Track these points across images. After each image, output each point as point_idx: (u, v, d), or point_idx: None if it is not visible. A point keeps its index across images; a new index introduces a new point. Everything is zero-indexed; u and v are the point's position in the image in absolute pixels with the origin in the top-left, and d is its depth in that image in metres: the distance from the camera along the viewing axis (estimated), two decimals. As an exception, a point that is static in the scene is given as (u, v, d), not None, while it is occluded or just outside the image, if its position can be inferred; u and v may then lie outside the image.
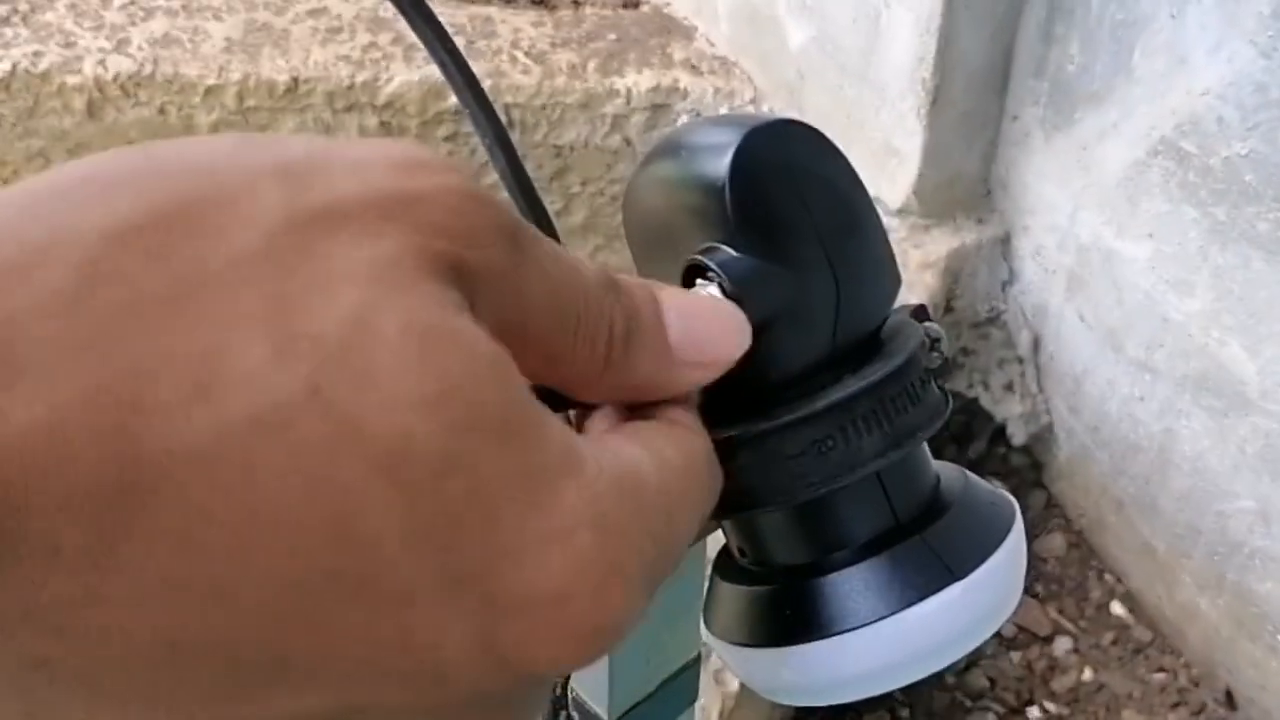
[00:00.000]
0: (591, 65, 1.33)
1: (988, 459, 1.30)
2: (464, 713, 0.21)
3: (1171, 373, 1.09)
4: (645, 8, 1.48)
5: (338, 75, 1.28)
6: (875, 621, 0.30)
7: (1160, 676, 1.18)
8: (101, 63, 1.27)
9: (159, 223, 0.19)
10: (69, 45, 1.29)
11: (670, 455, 0.25)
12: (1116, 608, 1.23)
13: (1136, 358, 1.12)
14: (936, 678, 1.18)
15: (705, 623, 0.35)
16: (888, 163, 1.20)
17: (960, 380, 1.26)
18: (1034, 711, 1.16)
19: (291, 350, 0.18)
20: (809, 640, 0.31)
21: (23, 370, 0.17)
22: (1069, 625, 1.22)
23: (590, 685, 0.47)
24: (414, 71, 1.27)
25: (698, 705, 0.52)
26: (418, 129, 1.31)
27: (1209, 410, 1.06)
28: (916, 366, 0.31)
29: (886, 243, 0.33)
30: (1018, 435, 1.27)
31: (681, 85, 1.34)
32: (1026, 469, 1.32)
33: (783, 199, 0.30)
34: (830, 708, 1.14)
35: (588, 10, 1.44)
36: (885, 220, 0.33)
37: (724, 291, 0.30)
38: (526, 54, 1.34)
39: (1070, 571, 1.26)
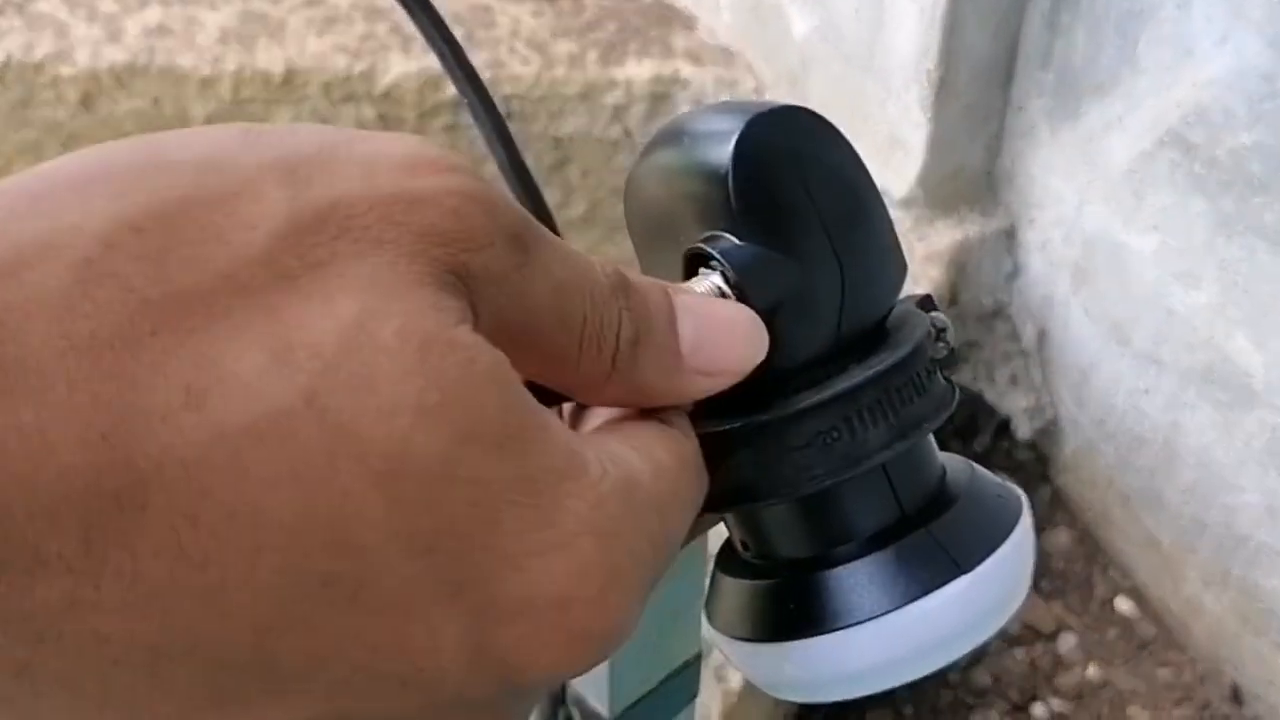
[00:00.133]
0: (592, 55, 1.33)
1: (992, 453, 1.30)
2: (450, 718, 0.21)
3: (1177, 366, 1.09)
4: (646, -2, 1.48)
5: (334, 66, 1.28)
6: (880, 616, 0.30)
7: (1165, 672, 1.18)
8: (95, 53, 1.27)
9: (157, 224, 0.18)
10: (63, 35, 1.29)
11: (662, 457, 0.25)
12: (1121, 603, 1.23)
13: (1142, 351, 1.12)
14: (940, 675, 1.18)
15: (707, 617, 0.35)
16: (892, 155, 1.20)
17: (965, 374, 1.26)
18: (1038, 708, 1.16)
19: (288, 359, 0.18)
20: (813, 635, 0.31)
21: (10, 373, 0.17)
22: (1073, 621, 1.22)
23: (590, 682, 0.47)
24: (412, 62, 1.27)
25: (698, 702, 0.51)
26: (415, 120, 1.31)
27: (1215, 403, 1.06)
28: (922, 356, 0.31)
29: (892, 231, 0.33)
30: (1022, 429, 1.27)
31: (683, 75, 1.33)
32: (1031, 463, 1.32)
33: (786, 186, 0.30)
34: (833, 705, 1.14)
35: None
36: (890, 212, 0.33)
37: (726, 280, 0.30)
38: (526, 44, 1.33)
39: (1075, 567, 1.26)
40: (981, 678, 1.18)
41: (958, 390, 0.32)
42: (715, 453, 0.30)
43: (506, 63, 1.31)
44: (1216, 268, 1.01)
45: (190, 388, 0.18)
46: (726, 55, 1.38)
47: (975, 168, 1.21)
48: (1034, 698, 1.17)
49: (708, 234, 0.30)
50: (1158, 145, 1.02)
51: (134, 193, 0.19)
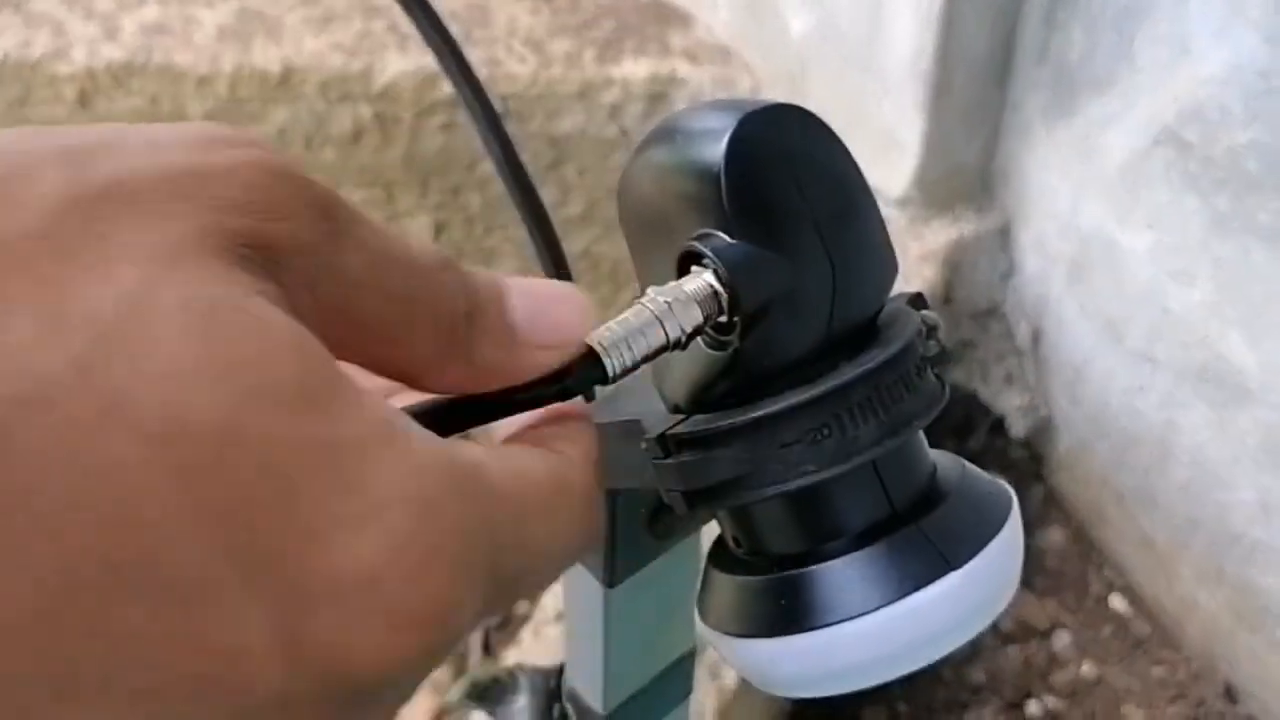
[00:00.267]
0: (588, 54, 1.33)
1: (987, 452, 1.30)
2: None
3: (1172, 364, 1.09)
4: (643, -3, 1.48)
5: (331, 64, 1.28)
6: (871, 612, 0.30)
7: (1160, 670, 1.18)
8: (93, 51, 1.27)
9: None
10: (60, 34, 1.29)
11: (530, 468, 0.24)
12: (1116, 601, 1.23)
13: (1137, 349, 1.12)
14: (934, 671, 1.19)
15: (700, 613, 0.35)
16: (889, 153, 1.20)
17: (960, 372, 1.26)
18: (1033, 706, 1.17)
19: (59, 328, 0.17)
20: (804, 630, 0.31)
21: None
22: (1068, 619, 1.23)
23: (585, 678, 0.47)
24: (408, 60, 1.27)
25: (693, 699, 0.52)
26: (412, 118, 1.31)
27: (1209, 402, 1.06)
28: (913, 354, 0.31)
29: (883, 229, 0.33)
30: (1017, 428, 1.27)
31: (680, 74, 1.33)
32: (1026, 462, 1.32)
33: (778, 184, 0.30)
34: (828, 703, 1.14)
35: (585, -1, 1.44)
36: (886, 211, 0.33)
37: (718, 278, 0.30)
38: (523, 42, 1.33)
39: (1069, 565, 1.27)
40: (977, 675, 1.18)
41: (948, 388, 0.33)
42: (706, 448, 0.30)
43: (503, 61, 1.31)
44: (1211, 266, 1.01)
45: None
46: (724, 54, 1.38)
47: (971, 166, 1.22)
48: (1029, 695, 1.17)
49: (700, 232, 0.30)
50: (1153, 143, 1.02)
51: None
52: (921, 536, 0.31)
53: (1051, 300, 1.21)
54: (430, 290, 0.23)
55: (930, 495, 0.32)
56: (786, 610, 0.31)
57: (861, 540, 0.31)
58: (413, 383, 0.24)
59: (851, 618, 0.30)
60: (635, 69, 1.33)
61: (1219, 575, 1.12)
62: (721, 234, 0.30)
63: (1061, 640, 1.21)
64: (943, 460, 0.34)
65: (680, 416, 0.32)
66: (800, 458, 0.29)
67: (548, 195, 1.38)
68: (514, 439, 0.26)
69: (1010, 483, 0.34)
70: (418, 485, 0.19)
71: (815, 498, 0.31)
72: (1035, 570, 1.25)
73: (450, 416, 0.26)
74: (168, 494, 0.17)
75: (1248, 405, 1.03)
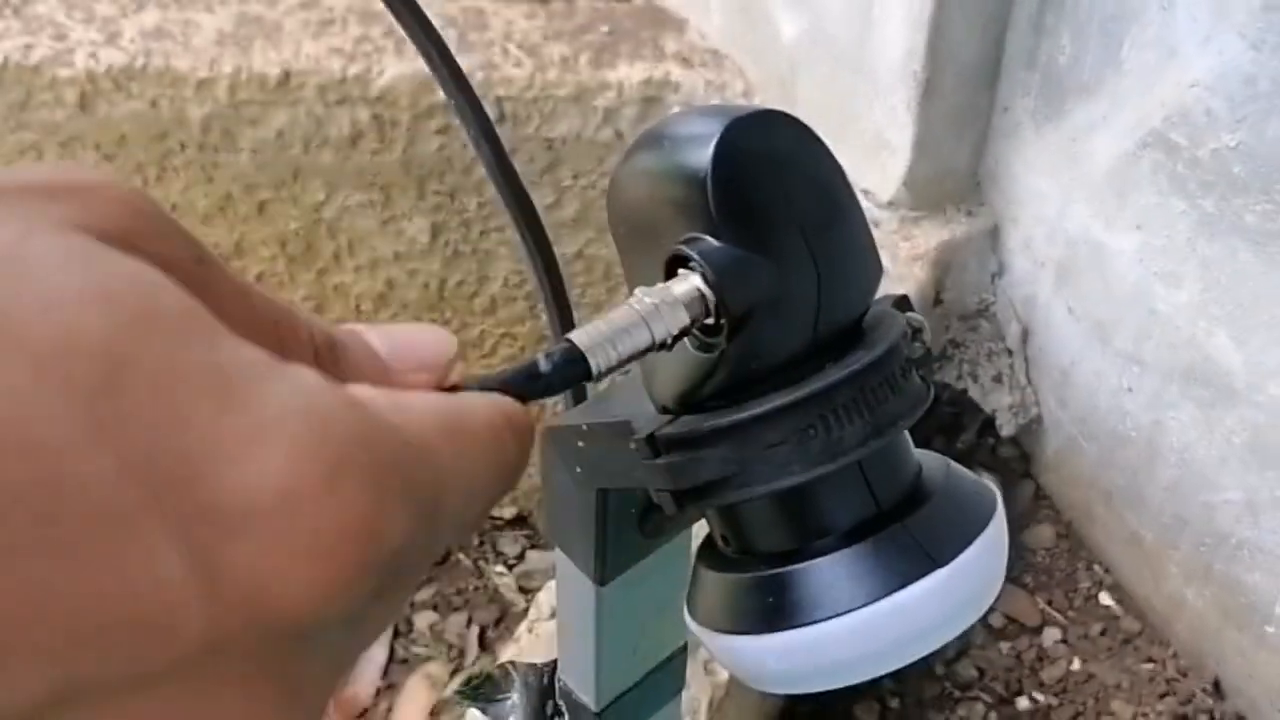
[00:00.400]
0: (583, 58, 1.33)
1: (976, 450, 1.30)
2: (212, 684, 0.18)
3: (1159, 364, 1.09)
4: (637, 0, 1.48)
5: (329, 68, 1.28)
6: (857, 609, 0.31)
7: (1149, 666, 1.19)
8: (93, 55, 1.27)
9: None
10: (60, 38, 1.29)
11: (422, 399, 0.22)
12: (1105, 598, 1.24)
13: (1125, 349, 1.12)
14: (926, 668, 1.19)
15: (689, 611, 0.35)
16: (879, 155, 1.20)
17: (949, 372, 1.26)
18: (1023, 701, 1.17)
19: None
20: (792, 628, 0.31)
21: None
22: (1058, 616, 1.23)
23: (577, 674, 0.48)
24: (406, 64, 1.27)
25: (686, 696, 0.52)
26: (409, 121, 1.31)
27: (1197, 401, 1.07)
28: (898, 356, 0.32)
29: (868, 233, 0.33)
30: (1006, 427, 1.27)
31: (673, 78, 1.34)
32: (1015, 460, 1.32)
33: (764, 189, 0.31)
34: (820, 700, 1.15)
35: (580, 3, 1.45)
36: (875, 213, 0.34)
37: (706, 281, 0.30)
38: (519, 46, 1.34)
39: (1059, 562, 1.27)
40: (967, 671, 1.18)
41: (933, 389, 0.33)
42: (694, 449, 0.30)
43: (499, 65, 1.31)
44: (1199, 267, 1.01)
45: None
46: (717, 58, 1.38)
47: (961, 168, 1.22)
48: (1019, 691, 1.17)
49: (687, 236, 0.31)
50: (1141, 146, 1.02)
51: None
52: (907, 535, 0.31)
53: (1040, 301, 1.22)
54: (291, 320, 0.23)
55: (916, 494, 0.33)
56: (774, 607, 0.32)
57: (848, 538, 0.31)
58: None
59: (839, 614, 0.31)
60: (629, 73, 1.33)
61: (1207, 573, 1.12)
62: (708, 238, 0.30)
63: (1051, 636, 1.21)
64: (928, 460, 0.34)
65: (669, 417, 0.32)
66: (787, 458, 0.30)
67: (543, 197, 1.38)
68: None
69: (1000, 481, 0.35)
70: (309, 401, 0.18)
71: (802, 497, 0.32)
72: (1025, 567, 1.25)
73: None
74: (63, 414, 0.16)
75: (1235, 405, 1.03)
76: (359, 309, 1.51)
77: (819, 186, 0.32)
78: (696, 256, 0.30)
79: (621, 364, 0.29)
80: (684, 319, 0.30)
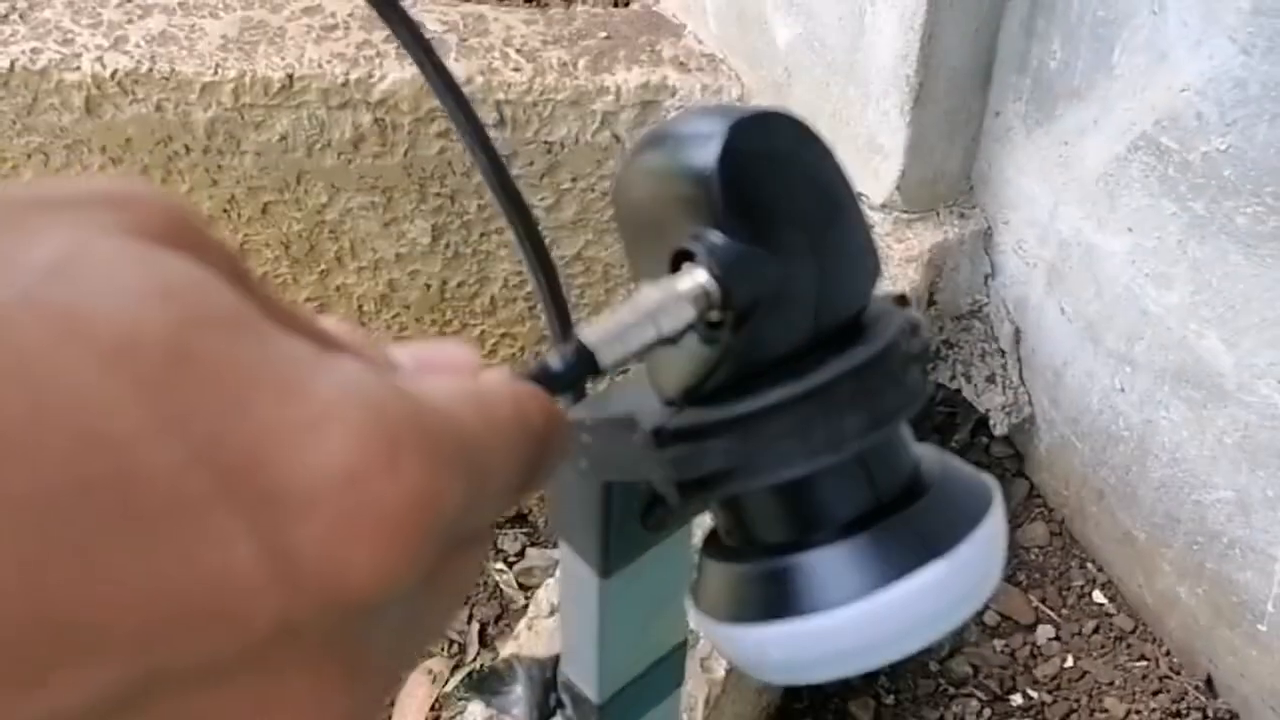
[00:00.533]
0: (582, 63, 1.34)
1: (970, 450, 1.31)
2: (281, 667, 0.18)
3: (1151, 365, 1.10)
4: (635, 6, 1.49)
5: (332, 73, 1.28)
6: (857, 599, 0.31)
7: (1141, 664, 1.19)
8: (99, 60, 1.28)
9: None
10: (67, 42, 1.29)
11: (451, 385, 0.23)
12: (1098, 596, 1.24)
13: (1116, 350, 1.13)
14: (920, 664, 1.19)
15: (693, 600, 0.36)
16: (872, 159, 1.20)
17: (943, 372, 1.26)
18: (1017, 698, 1.17)
19: (3, 271, 0.17)
20: (792, 617, 0.31)
21: None
22: (1051, 613, 1.23)
23: (579, 666, 0.48)
24: (407, 69, 1.28)
25: (684, 691, 0.52)
26: (411, 125, 1.32)
27: (1188, 401, 1.07)
28: (897, 350, 0.32)
29: (867, 230, 0.34)
30: (999, 426, 1.28)
31: (670, 82, 1.34)
32: (1008, 459, 1.32)
33: (768, 186, 0.31)
34: (815, 695, 1.15)
35: (579, 8, 1.45)
36: (869, 215, 0.34)
37: (711, 274, 0.31)
38: (518, 51, 1.34)
39: (1052, 560, 1.27)
40: (961, 667, 1.19)
41: (930, 383, 0.34)
42: (698, 441, 0.31)
43: (499, 69, 1.32)
44: (1189, 269, 1.02)
45: None
46: (713, 63, 1.39)
47: (953, 171, 1.22)
48: (1012, 688, 1.18)
49: (693, 232, 0.31)
50: (1131, 149, 1.03)
51: None
52: (906, 526, 0.32)
53: (1032, 302, 1.22)
54: (321, 330, 0.23)
55: (915, 486, 0.33)
56: (775, 597, 0.32)
57: (848, 530, 0.32)
58: None
59: (839, 605, 0.31)
60: (627, 78, 1.33)
61: (1199, 571, 1.12)
62: (713, 233, 0.31)
63: (1045, 634, 1.21)
64: (927, 453, 0.35)
65: (673, 410, 0.33)
66: (789, 449, 0.30)
67: (542, 200, 1.38)
68: None
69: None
70: (360, 388, 0.19)
71: (803, 488, 0.32)
72: (1019, 565, 1.26)
73: None
74: (131, 407, 0.16)
75: (1225, 405, 1.03)
76: (361, 310, 1.52)
77: (821, 184, 0.32)
78: (703, 250, 0.31)
79: (631, 358, 0.30)
80: (690, 312, 0.30)
